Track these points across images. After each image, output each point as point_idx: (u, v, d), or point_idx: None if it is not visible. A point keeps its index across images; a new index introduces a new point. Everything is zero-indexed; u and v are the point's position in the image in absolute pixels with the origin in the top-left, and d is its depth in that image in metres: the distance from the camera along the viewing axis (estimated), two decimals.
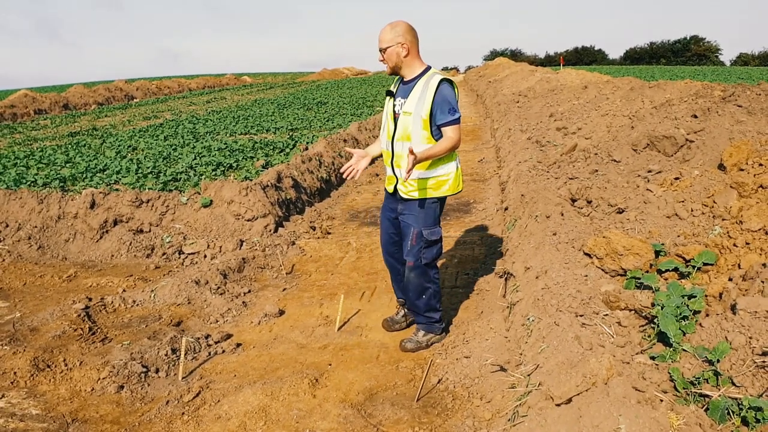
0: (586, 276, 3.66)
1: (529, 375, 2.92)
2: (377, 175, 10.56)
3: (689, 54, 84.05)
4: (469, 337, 4.08)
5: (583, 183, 5.71)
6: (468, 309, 4.76)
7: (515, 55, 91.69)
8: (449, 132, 3.75)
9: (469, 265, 5.73)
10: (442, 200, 4.02)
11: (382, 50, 3.79)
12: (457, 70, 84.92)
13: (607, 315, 3.20)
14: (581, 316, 3.14)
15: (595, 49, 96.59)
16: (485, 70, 41.41)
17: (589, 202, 5.30)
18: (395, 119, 3.89)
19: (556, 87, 15.49)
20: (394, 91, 3.97)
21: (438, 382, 3.66)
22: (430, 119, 3.75)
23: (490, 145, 12.91)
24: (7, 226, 6.91)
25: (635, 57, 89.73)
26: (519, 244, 4.95)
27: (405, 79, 3.91)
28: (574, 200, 5.47)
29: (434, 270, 4.10)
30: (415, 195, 3.90)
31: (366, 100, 21.81)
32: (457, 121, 3.75)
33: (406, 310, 4.47)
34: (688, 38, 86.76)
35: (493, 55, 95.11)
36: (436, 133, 3.80)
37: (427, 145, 3.78)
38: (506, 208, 6.52)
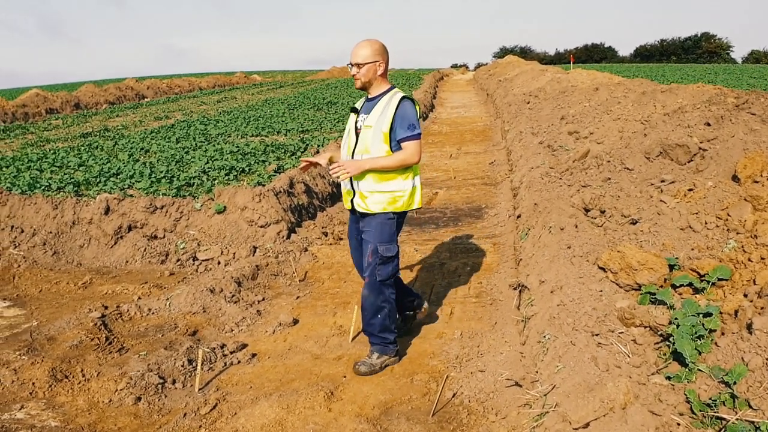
0: (601, 291, 3.67)
1: (545, 395, 2.94)
2: None
3: (700, 51, 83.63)
4: (484, 351, 4.10)
5: (596, 192, 5.71)
6: (482, 320, 4.78)
7: (525, 53, 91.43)
8: (407, 146, 3.84)
9: (482, 274, 5.75)
10: (399, 217, 4.06)
11: (359, 65, 3.86)
12: (467, 68, 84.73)
13: (622, 333, 3.21)
14: (597, 335, 3.16)
15: (605, 46, 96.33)
16: (495, 69, 41.31)
17: (603, 212, 5.31)
18: (357, 134, 3.98)
19: (567, 88, 15.45)
20: (359, 107, 4.08)
21: (453, 396, 3.68)
22: (390, 134, 3.85)
23: (501, 147, 12.90)
24: (23, 231, 6.97)
25: (646, 54, 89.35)
26: (533, 255, 4.96)
27: (370, 96, 4.02)
28: (587, 210, 5.47)
29: (390, 289, 4.09)
30: (372, 209, 3.95)
31: None
32: (416, 137, 3.85)
33: (404, 314, 4.56)
34: (699, 35, 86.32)
35: (503, 52, 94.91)
36: (396, 148, 3.88)
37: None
38: (519, 216, 6.53)
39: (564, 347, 3.17)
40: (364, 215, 4.02)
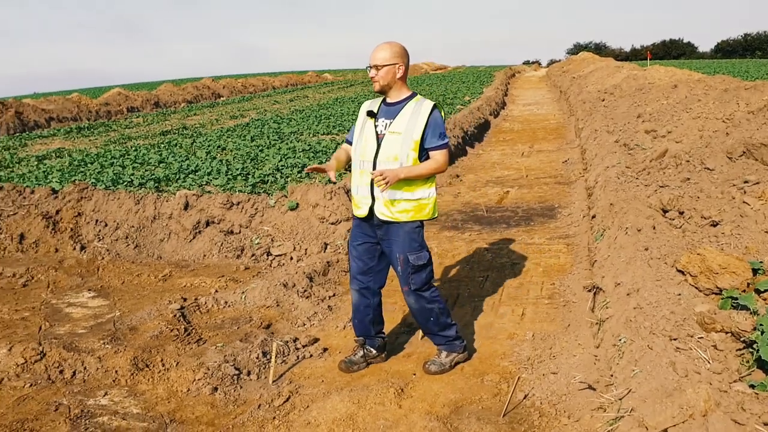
0: (680, 295, 3.57)
1: (620, 399, 2.88)
2: (458, 176, 10.54)
3: None
4: (556, 352, 4.05)
5: (674, 192, 5.55)
6: (554, 321, 4.71)
7: (599, 49, 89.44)
8: (437, 155, 3.77)
9: (554, 275, 5.67)
10: (423, 224, 3.97)
11: (378, 67, 3.76)
12: (539, 64, 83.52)
13: (702, 338, 3.11)
14: (675, 339, 3.07)
15: (684, 41, 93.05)
16: (569, 65, 40.60)
17: (681, 213, 5.15)
18: (378, 140, 3.85)
19: (644, 85, 15.02)
20: (376, 111, 3.93)
21: (524, 398, 3.65)
22: (420, 142, 3.76)
23: (575, 145, 12.68)
24: (106, 225, 7.29)
25: (728, 50, 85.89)
26: (608, 256, 4.86)
27: (389, 101, 3.89)
28: (665, 211, 5.32)
29: (430, 291, 4.00)
30: (399, 218, 3.83)
31: (446, 98, 21.77)
32: (446, 146, 3.80)
33: (365, 350, 4.27)
34: None
35: (577, 48, 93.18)
36: (424, 156, 3.81)
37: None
38: (594, 216, 6.41)
39: (640, 351, 3.10)
40: (385, 223, 3.89)
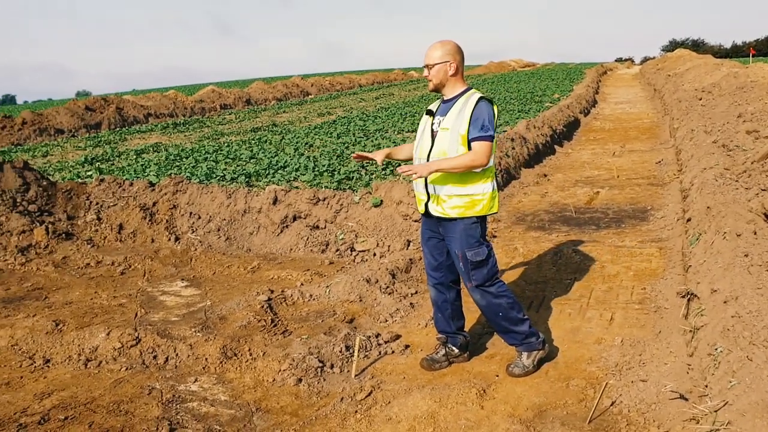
0: None
1: (716, 411, 2.75)
2: (545, 175, 10.35)
3: None
4: (646, 359, 3.90)
5: None
6: (644, 327, 4.55)
7: (697, 46, 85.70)
8: (475, 146, 3.68)
9: (646, 279, 5.47)
10: (481, 219, 3.88)
11: (429, 66, 3.80)
12: (632, 62, 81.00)
13: None
14: None
15: None
16: (663, 63, 39.20)
17: None
18: (433, 137, 3.86)
19: (746, 84, 14.30)
20: (434, 110, 3.95)
21: (611, 405, 3.54)
22: (467, 135, 3.72)
23: (669, 146, 12.21)
24: (200, 218, 7.56)
25: None
26: (704, 262, 4.65)
27: (445, 98, 3.90)
28: (767, 216, 5.05)
29: (495, 286, 3.93)
30: (450, 214, 3.82)
31: (534, 95, 21.41)
32: (486, 138, 3.67)
33: (447, 348, 4.23)
34: None
35: (672, 45, 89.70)
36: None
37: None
38: (689, 219, 6.14)
39: (739, 362, 2.95)
40: (442, 219, 3.90)
